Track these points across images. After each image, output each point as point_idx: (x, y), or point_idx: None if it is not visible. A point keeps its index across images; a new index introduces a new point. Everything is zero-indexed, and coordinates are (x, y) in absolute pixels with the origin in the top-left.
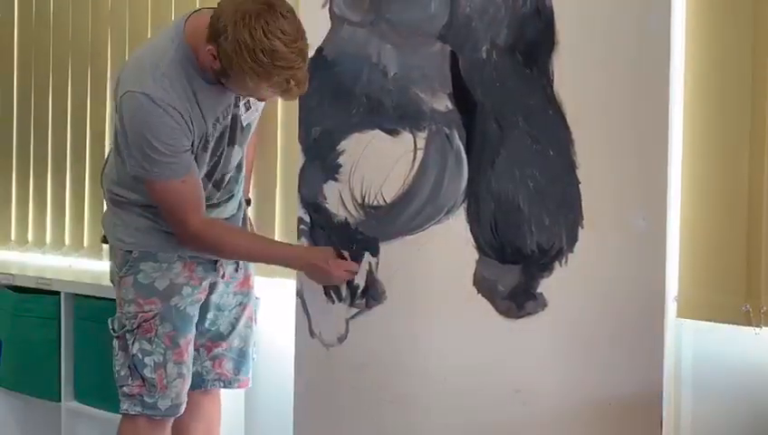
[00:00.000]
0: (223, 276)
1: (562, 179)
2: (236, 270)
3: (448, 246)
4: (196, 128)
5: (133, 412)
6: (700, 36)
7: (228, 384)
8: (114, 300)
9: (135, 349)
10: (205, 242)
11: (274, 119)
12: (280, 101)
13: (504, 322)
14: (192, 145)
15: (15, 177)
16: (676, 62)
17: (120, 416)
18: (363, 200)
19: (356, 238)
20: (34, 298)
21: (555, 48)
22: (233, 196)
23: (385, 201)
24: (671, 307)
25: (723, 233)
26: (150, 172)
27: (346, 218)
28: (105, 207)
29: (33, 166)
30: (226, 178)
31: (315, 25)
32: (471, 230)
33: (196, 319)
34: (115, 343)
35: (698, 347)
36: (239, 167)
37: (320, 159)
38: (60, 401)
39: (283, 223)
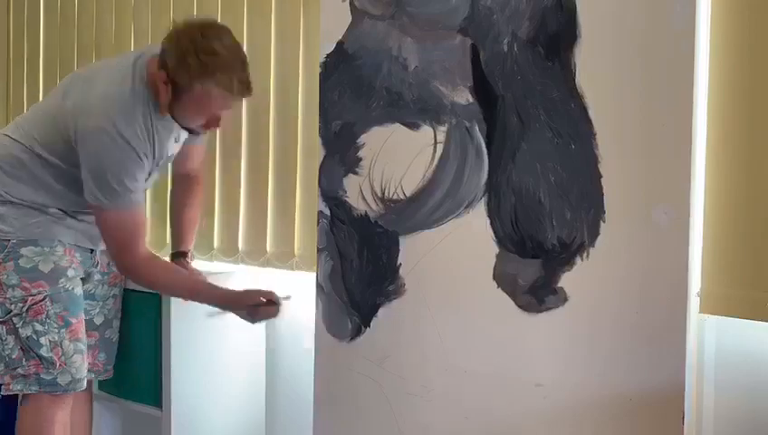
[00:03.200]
0: (97, 265)
1: (584, 173)
2: (110, 263)
3: (468, 240)
4: (150, 164)
5: (29, 391)
6: (725, 27)
7: (99, 374)
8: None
9: (28, 331)
10: (142, 275)
11: (295, 111)
12: (300, 95)
13: (524, 316)
14: (147, 176)
15: None
16: (701, 54)
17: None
18: (383, 194)
19: (376, 232)
20: None
21: (577, 41)
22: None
23: (405, 195)
24: (694, 303)
25: (746, 228)
26: (108, 204)
27: (366, 212)
28: None
29: None
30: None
31: (336, 19)
32: (491, 224)
33: (83, 300)
34: (1, 328)
35: (721, 343)
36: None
37: (340, 152)
38: None
39: (303, 217)
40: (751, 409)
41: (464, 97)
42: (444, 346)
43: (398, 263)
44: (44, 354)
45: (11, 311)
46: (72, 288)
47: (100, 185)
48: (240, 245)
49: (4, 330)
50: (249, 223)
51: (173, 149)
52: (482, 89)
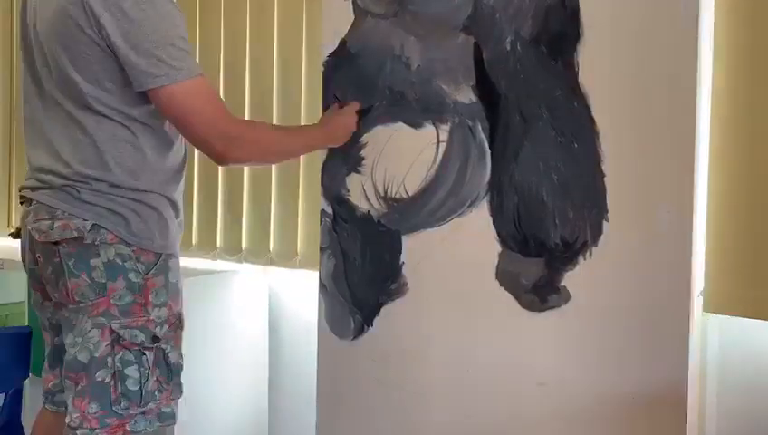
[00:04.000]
0: None
1: (587, 172)
2: None
3: (471, 239)
4: None
5: (150, 429)
6: (729, 28)
7: None
8: None
9: (175, 356)
10: (253, 143)
11: (298, 110)
12: (303, 94)
13: (526, 315)
14: None
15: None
16: (704, 53)
17: None
18: (386, 193)
19: (378, 231)
20: None
21: (580, 39)
22: None
23: (407, 194)
24: (697, 302)
25: (750, 227)
26: (181, 71)
27: (369, 211)
28: (83, 197)
29: None
30: None
31: (338, 18)
32: (494, 223)
33: None
34: (146, 355)
35: (724, 342)
36: None
37: (342, 151)
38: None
39: (306, 216)
40: (754, 408)
41: (466, 96)
42: (446, 345)
43: (401, 262)
44: (181, 381)
45: (157, 335)
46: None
47: (162, 51)
48: (243, 243)
49: (152, 358)
50: (252, 222)
51: None
52: (485, 88)
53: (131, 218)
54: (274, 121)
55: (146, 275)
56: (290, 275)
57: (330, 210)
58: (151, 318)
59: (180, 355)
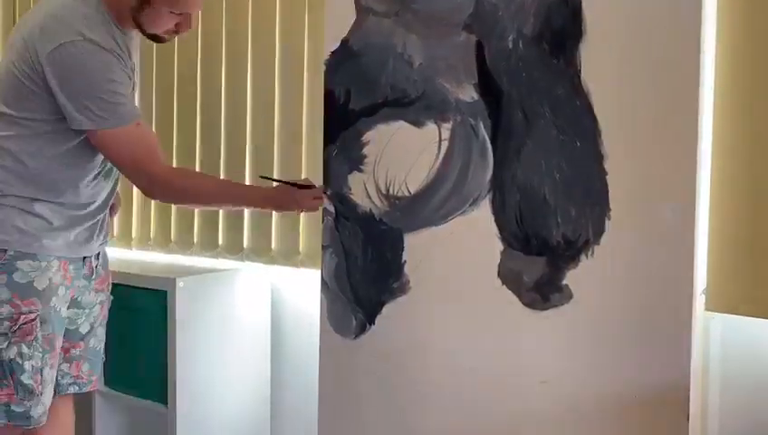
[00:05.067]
0: (92, 274)
1: (589, 170)
2: (97, 266)
3: (473, 238)
4: (131, 76)
5: None
6: (732, 25)
7: (83, 386)
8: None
9: (12, 353)
10: (177, 188)
11: (300, 108)
12: (305, 93)
13: (529, 313)
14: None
15: None
16: (707, 51)
17: None
18: (388, 191)
19: (380, 229)
20: None
21: (583, 37)
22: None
23: (409, 192)
24: (699, 300)
25: (752, 225)
26: (109, 120)
27: (371, 209)
28: None
29: None
30: None
31: (341, 16)
32: (496, 221)
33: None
34: None
35: (726, 341)
36: None
37: (344, 150)
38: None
39: (307, 215)
40: (757, 408)
41: (468, 94)
42: (448, 343)
43: (403, 260)
44: (25, 381)
45: None
46: (60, 309)
47: (90, 102)
48: (245, 242)
49: None
50: (254, 220)
51: (136, 79)
52: (487, 86)
53: None
54: (276, 121)
55: None
56: (292, 273)
57: (332, 208)
58: None
59: (21, 354)
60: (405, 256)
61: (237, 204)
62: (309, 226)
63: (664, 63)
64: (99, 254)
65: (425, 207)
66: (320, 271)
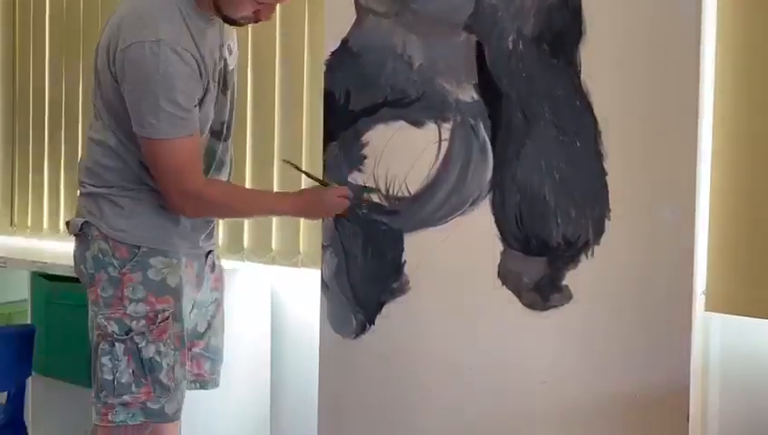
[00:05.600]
0: (212, 270)
1: (589, 171)
2: (213, 263)
3: (473, 238)
4: (204, 72)
5: (133, 422)
6: (732, 25)
7: (204, 385)
8: None
9: (150, 352)
10: (209, 202)
11: (300, 108)
12: (305, 93)
13: (529, 314)
14: (203, 93)
15: (47, 167)
16: (706, 50)
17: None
18: (388, 192)
19: (380, 229)
20: (66, 286)
21: (583, 38)
22: (226, 162)
23: (409, 192)
24: (699, 301)
25: (752, 226)
26: (160, 131)
27: (370, 210)
28: (85, 195)
29: (65, 157)
30: (224, 127)
31: (341, 16)
32: (496, 222)
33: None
34: (116, 347)
35: (726, 342)
36: (229, 125)
37: (344, 150)
38: (91, 386)
39: None
40: (756, 408)
41: (468, 94)
42: (448, 344)
43: (403, 260)
44: (163, 379)
45: (131, 328)
46: (188, 306)
47: (148, 108)
48: (245, 242)
49: (121, 350)
50: (254, 220)
51: (231, 60)
52: (487, 86)
53: (107, 211)
54: (277, 120)
55: (121, 269)
56: (292, 273)
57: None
58: (127, 312)
59: (159, 352)
60: (405, 257)
61: (265, 214)
62: (309, 226)
63: (664, 64)
64: (213, 251)
65: (425, 207)
66: (320, 271)
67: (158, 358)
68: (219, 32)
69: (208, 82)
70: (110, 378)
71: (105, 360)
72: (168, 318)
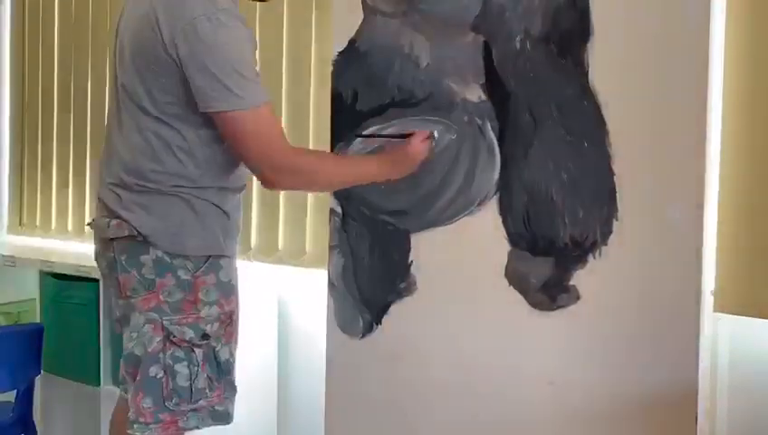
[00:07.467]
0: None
1: (597, 171)
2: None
3: (480, 238)
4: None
5: (203, 427)
6: (741, 25)
7: None
8: None
9: (225, 354)
10: (302, 170)
11: (307, 108)
12: (312, 96)
13: (536, 314)
14: None
15: (56, 167)
16: (715, 50)
17: None
18: (395, 192)
19: (387, 229)
20: (74, 285)
21: (590, 38)
22: None
23: (416, 193)
24: (708, 302)
25: (761, 227)
26: (244, 99)
27: (377, 209)
28: (133, 199)
29: (73, 156)
30: None
31: (348, 17)
32: (503, 222)
33: None
34: (195, 352)
35: (735, 343)
36: None
37: (352, 150)
38: (99, 385)
39: (315, 215)
40: (765, 409)
41: (476, 94)
42: (455, 344)
43: (410, 260)
44: (233, 380)
45: (206, 332)
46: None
47: (226, 78)
48: (252, 242)
49: (201, 355)
50: (261, 220)
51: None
52: (494, 86)
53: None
54: (284, 123)
55: (195, 273)
56: (299, 273)
57: (339, 209)
58: (201, 316)
59: (231, 353)
60: (412, 257)
61: (352, 182)
62: (316, 226)
63: (672, 64)
64: None
65: (432, 207)
66: (327, 271)
67: (232, 359)
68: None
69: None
70: (187, 385)
71: (180, 367)
72: (235, 319)
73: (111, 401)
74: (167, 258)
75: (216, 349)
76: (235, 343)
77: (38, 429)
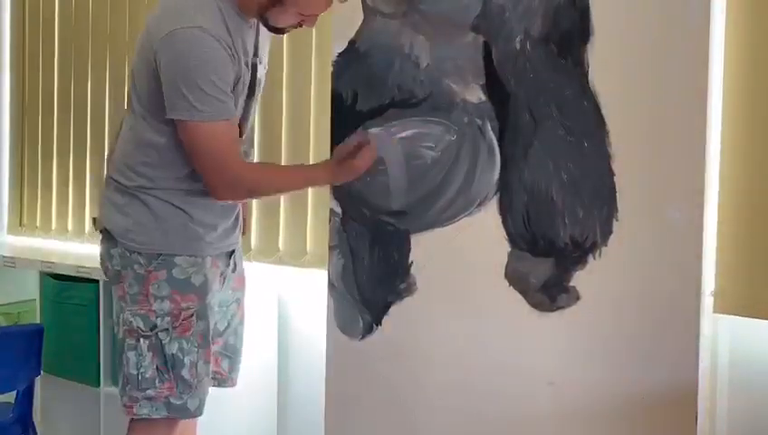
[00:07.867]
0: (234, 268)
1: (597, 171)
2: (236, 262)
3: (480, 239)
4: (236, 65)
5: (157, 416)
6: (741, 25)
7: (222, 383)
8: None
9: (173, 348)
10: (246, 185)
11: (307, 108)
12: (312, 96)
13: (536, 315)
14: (234, 83)
15: (56, 167)
16: (715, 51)
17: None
18: (395, 192)
19: (387, 230)
20: (74, 286)
21: (590, 38)
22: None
23: (416, 193)
24: (707, 302)
25: (761, 226)
26: (202, 112)
27: (377, 210)
28: (108, 195)
29: (73, 157)
30: (244, 133)
31: (348, 17)
32: (503, 222)
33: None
34: (141, 342)
35: (735, 343)
36: (248, 135)
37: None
38: (99, 385)
39: (315, 215)
40: (765, 409)
41: (476, 95)
42: (455, 344)
43: (410, 261)
44: (185, 376)
45: (155, 324)
46: (213, 305)
47: (188, 90)
48: (252, 242)
49: (146, 345)
50: (262, 221)
51: (261, 70)
52: (494, 87)
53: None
54: (284, 123)
55: (147, 268)
56: (299, 274)
57: (339, 209)
58: (153, 308)
59: (181, 348)
60: (412, 257)
61: (302, 187)
62: (316, 226)
63: (672, 64)
64: (235, 251)
65: (432, 208)
66: (327, 272)
67: (180, 354)
68: (255, 38)
69: (239, 79)
70: (135, 372)
71: (130, 354)
72: (191, 316)
73: (111, 402)
74: (127, 253)
75: (164, 341)
76: (195, 339)
77: (38, 429)
